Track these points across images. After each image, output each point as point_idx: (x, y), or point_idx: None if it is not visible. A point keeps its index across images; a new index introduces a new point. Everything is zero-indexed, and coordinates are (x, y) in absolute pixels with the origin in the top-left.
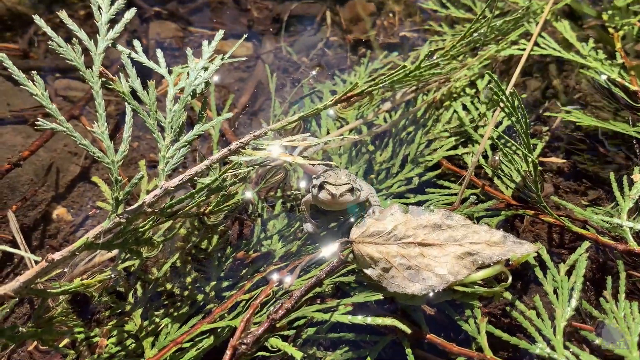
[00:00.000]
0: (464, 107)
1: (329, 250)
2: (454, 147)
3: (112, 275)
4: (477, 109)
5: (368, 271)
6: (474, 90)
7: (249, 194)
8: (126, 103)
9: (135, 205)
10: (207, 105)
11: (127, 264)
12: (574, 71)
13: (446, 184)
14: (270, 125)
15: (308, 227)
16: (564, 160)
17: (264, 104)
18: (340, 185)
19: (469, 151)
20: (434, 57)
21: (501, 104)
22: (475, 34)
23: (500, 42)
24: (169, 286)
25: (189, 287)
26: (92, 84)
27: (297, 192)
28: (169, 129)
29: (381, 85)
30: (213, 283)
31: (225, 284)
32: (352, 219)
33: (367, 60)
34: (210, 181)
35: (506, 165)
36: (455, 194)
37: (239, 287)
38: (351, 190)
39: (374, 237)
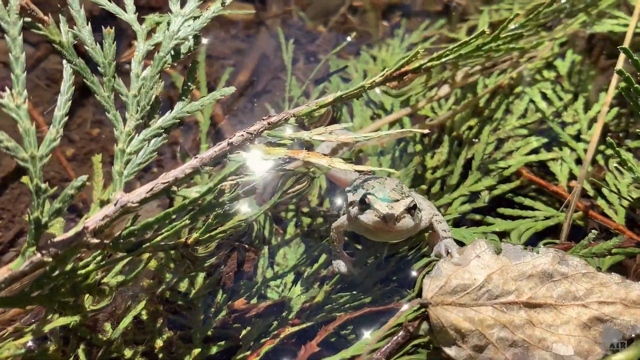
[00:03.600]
0: (544, 96)
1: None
2: (535, 151)
3: (30, 345)
4: (560, 98)
5: (451, 351)
6: (554, 73)
7: (251, 210)
8: (64, 61)
9: (71, 233)
10: (196, 79)
11: (60, 321)
12: None
13: (527, 202)
14: (287, 109)
15: (340, 265)
16: None
17: (269, 84)
18: (394, 201)
19: (556, 157)
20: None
21: None
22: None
23: (590, 11)
24: (128, 353)
25: (160, 355)
26: (6, 27)
27: (320, 209)
28: (134, 107)
29: (445, 59)
30: (197, 351)
31: (214, 350)
32: (409, 256)
33: (402, 32)
34: (200, 194)
35: (614, 177)
36: (546, 218)
37: None
38: (412, 209)
39: (459, 294)
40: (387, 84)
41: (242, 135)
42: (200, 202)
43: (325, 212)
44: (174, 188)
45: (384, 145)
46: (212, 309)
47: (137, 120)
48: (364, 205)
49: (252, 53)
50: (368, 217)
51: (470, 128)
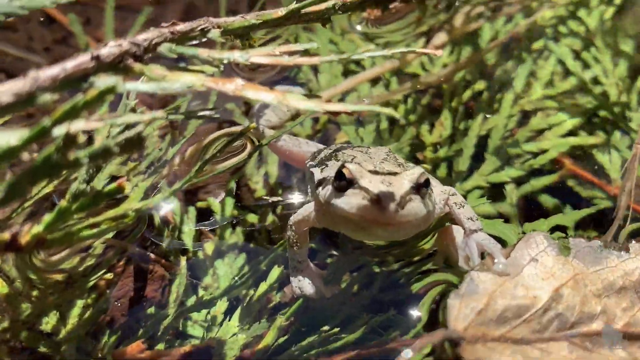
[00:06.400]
0: (576, 56)
1: None
2: (571, 133)
3: None
4: (597, 60)
5: None
6: (582, 26)
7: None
8: None
9: None
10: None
11: None
12: None
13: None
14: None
15: (304, 284)
16: None
17: None
18: (391, 174)
19: (600, 142)
20: None
21: None
22: None
23: None
24: None
25: None
26: None
27: (269, 199)
28: None
29: None
30: None
31: None
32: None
33: None
34: (22, 141)
35: None
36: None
37: None
38: (423, 186)
39: (510, 323)
40: (368, 11)
41: (120, 45)
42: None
43: (278, 203)
44: None
45: (365, 113)
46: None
47: None
48: (342, 181)
49: (176, 2)
50: (351, 202)
51: (479, 93)
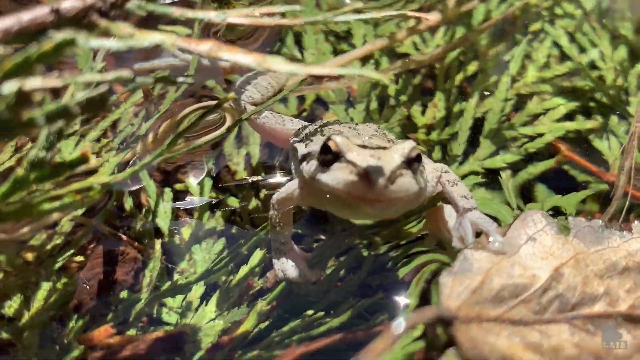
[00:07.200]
0: (571, 39)
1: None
2: (568, 116)
3: None
4: (593, 44)
5: None
6: (580, 11)
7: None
8: None
9: None
10: None
11: None
12: None
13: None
14: None
15: (287, 267)
16: None
17: None
18: (380, 149)
19: (596, 126)
20: None
21: None
22: None
23: None
24: None
25: None
26: None
27: (255, 179)
28: None
29: None
30: None
31: None
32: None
33: None
34: None
35: None
36: None
37: None
38: (414, 160)
39: (507, 303)
40: None
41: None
42: None
43: (259, 184)
44: None
45: (355, 93)
46: (56, 347)
47: None
48: (328, 155)
49: None
50: (337, 177)
51: (473, 75)
